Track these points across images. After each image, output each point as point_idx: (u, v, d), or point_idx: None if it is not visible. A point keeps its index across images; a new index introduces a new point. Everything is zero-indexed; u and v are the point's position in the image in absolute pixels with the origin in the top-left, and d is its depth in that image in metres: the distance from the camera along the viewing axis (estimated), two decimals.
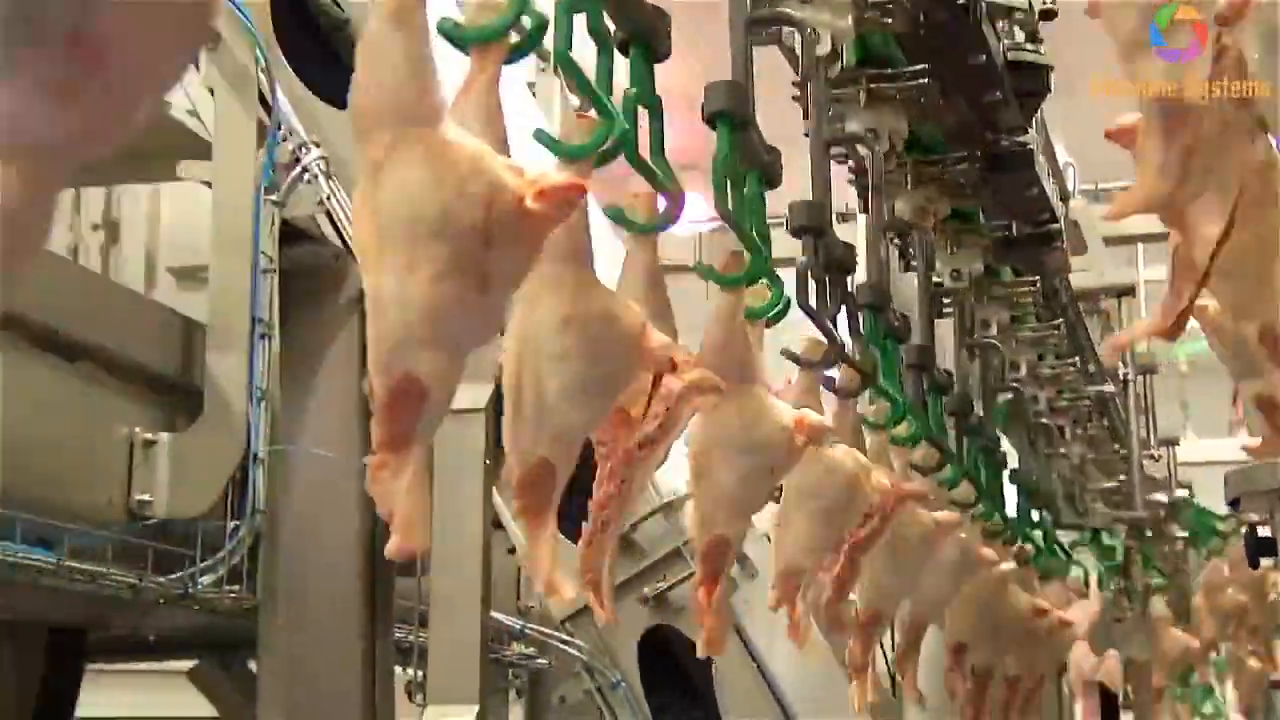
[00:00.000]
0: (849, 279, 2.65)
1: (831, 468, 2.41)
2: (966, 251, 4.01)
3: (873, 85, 3.14)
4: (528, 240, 1.49)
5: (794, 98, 2.96)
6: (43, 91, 0.98)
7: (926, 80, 3.15)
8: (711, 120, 2.12)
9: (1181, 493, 7.33)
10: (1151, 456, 6.88)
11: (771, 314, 2.24)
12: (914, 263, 3.64)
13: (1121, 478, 6.58)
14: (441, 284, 1.41)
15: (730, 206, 2.11)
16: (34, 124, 1.00)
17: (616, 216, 1.94)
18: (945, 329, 3.93)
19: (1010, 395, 4.63)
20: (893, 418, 2.85)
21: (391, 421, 1.43)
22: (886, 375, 2.81)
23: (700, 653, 2.10)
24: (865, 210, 3.35)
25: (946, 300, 4.01)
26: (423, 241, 1.41)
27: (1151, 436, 6.95)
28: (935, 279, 3.87)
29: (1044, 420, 5.28)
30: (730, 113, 2.11)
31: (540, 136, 1.66)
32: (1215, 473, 5.24)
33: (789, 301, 2.28)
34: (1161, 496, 6.98)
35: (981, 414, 3.83)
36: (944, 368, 3.45)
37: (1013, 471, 4.16)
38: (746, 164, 2.20)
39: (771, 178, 2.27)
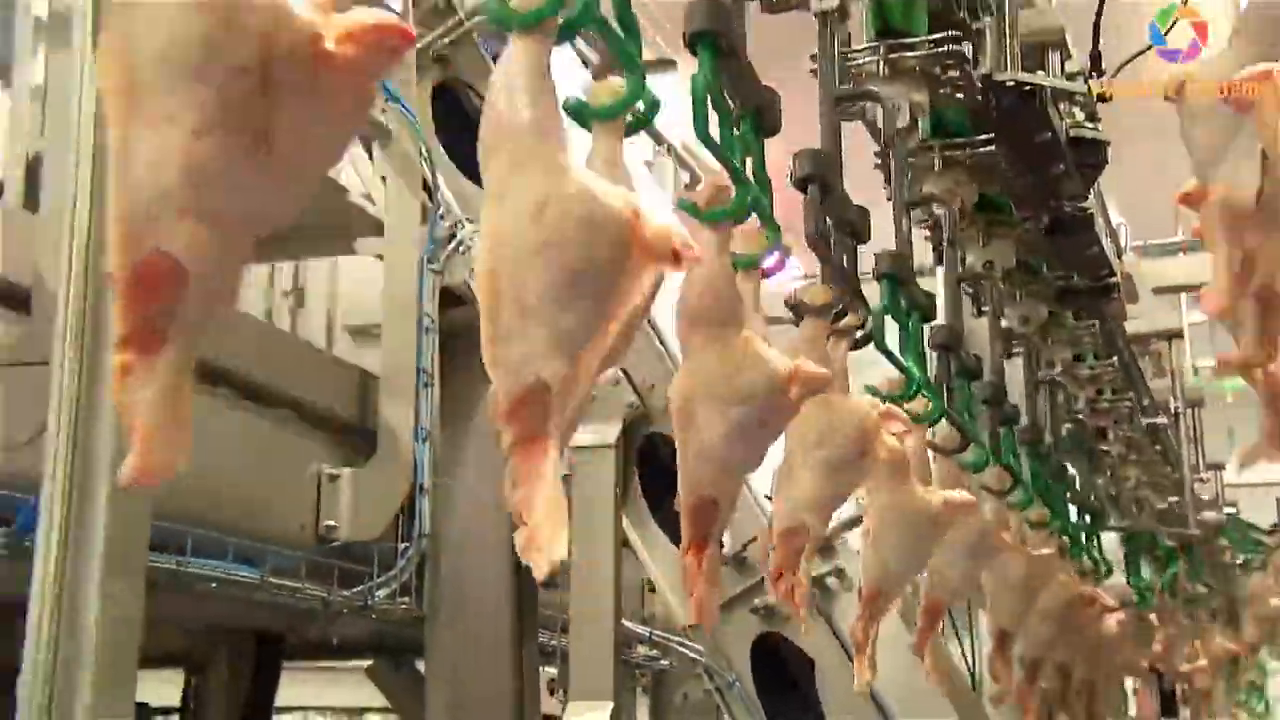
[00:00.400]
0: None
1: (841, 413, 1.92)
2: (999, 243, 3.50)
3: (893, 55, 2.68)
4: (331, 94, 1.03)
5: (810, 71, 2.49)
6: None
7: (948, 48, 2.70)
8: (693, 44, 1.61)
9: (1229, 510, 7.12)
10: (1200, 479, 6.69)
11: (767, 263, 1.75)
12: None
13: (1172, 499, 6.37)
14: (205, 139, 0.98)
15: (712, 135, 1.62)
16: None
17: (577, 108, 1.45)
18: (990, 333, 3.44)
19: (1048, 391, 4.14)
20: (906, 392, 2.31)
21: (133, 310, 0.98)
22: (908, 350, 2.32)
23: (691, 620, 1.65)
24: (889, 199, 2.75)
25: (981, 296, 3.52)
26: (181, 84, 0.98)
27: (1200, 462, 6.76)
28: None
29: (1081, 418, 4.76)
30: (712, 33, 1.61)
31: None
32: (1260, 493, 5.06)
33: (787, 251, 1.80)
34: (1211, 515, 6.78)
35: (1017, 405, 3.30)
36: (974, 352, 2.99)
37: (1051, 461, 3.71)
38: (737, 97, 1.72)
39: (768, 120, 1.76)
